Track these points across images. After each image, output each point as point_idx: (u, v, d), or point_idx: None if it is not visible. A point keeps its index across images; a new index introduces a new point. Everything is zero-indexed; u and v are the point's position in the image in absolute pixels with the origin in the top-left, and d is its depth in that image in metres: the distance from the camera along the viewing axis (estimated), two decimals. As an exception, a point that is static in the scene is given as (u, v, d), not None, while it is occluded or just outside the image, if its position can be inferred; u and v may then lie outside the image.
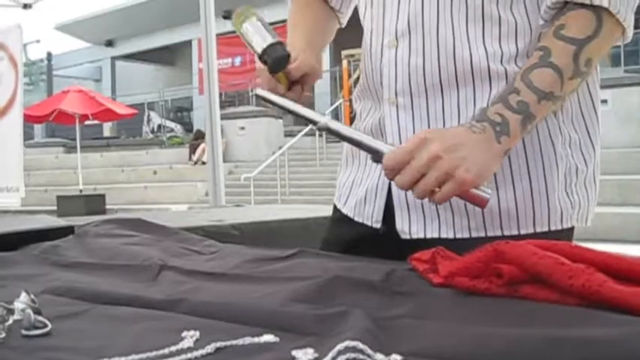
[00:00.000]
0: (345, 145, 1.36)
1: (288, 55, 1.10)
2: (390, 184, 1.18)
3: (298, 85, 1.14)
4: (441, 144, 0.92)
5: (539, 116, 1.00)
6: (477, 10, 1.08)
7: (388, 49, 1.15)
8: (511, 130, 0.97)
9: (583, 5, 1.01)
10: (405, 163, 0.93)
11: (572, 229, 1.15)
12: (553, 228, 1.11)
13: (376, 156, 0.98)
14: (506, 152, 0.99)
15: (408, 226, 1.17)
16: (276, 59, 1.08)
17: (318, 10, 1.37)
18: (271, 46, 1.08)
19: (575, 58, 0.99)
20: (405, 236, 1.17)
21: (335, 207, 1.36)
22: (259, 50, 1.08)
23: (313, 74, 1.16)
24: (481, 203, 0.96)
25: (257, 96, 1.11)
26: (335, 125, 1.02)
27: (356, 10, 1.36)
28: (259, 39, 1.08)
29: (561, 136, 1.12)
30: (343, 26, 1.43)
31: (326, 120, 1.02)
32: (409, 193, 1.15)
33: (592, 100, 1.17)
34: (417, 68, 1.12)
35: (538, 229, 1.11)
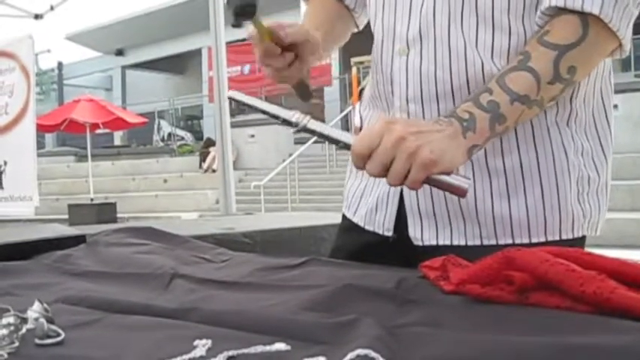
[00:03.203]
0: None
1: (254, 5, 1.03)
2: (401, 192, 1.18)
3: (296, 59, 1.13)
4: (405, 128, 0.91)
5: (512, 118, 0.98)
6: (488, 20, 1.07)
7: (399, 56, 1.15)
8: (477, 126, 0.96)
9: (573, 12, 0.99)
10: (372, 148, 0.91)
11: (583, 238, 1.14)
12: (564, 237, 1.11)
13: (347, 148, 0.96)
14: (472, 149, 0.96)
15: (420, 233, 1.17)
16: (238, 6, 1.03)
17: (332, 7, 1.35)
18: None
19: (556, 64, 0.98)
20: (417, 243, 1.17)
21: (344, 216, 1.36)
22: None
23: (306, 43, 1.13)
24: (459, 192, 0.93)
25: (230, 99, 1.07)
26: (306, 122, 1.00)
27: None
28: None
29: (573, 145, 1.11)
30: (360, 28, 1.42)
31: (299, 118, 1.01)
32: (421, 200, 1.16)
33: (605, 109, 1.17)
34: (428, 75, 1.11)
35: (549, 238, 1.10)
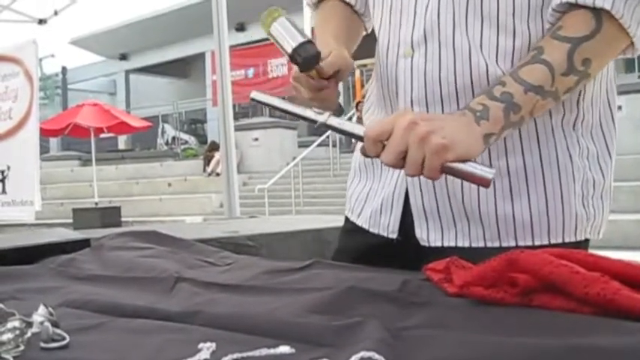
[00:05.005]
0: (356, 156, 1.35)
1: (319, 54, 1.08)
2: (406, 194, 1.18)
3: (332, 79, 1.13)
4: (418, 115, 0.93)
5: (526, 108, 0.98)
6: (492, 22, 1.07)
7: (404, 59, 1.15)
8: (491, 115, 0.96)
9: (585, 7, 0.99)
10: (383, 133, 0.92)
11: (587, 241, 1.14)
12: (567, 240, 1.11)
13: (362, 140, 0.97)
14: (487, 137, 0.96)
15: (427, 235, 1.17)
16: (306, 58, 1.07)
17: (344, 14, 1.35)
18: (301, 45, 1.06)
19: (570, 56, 0.98)
20: (424, 244, 1.17)
21: (347, 218, 1.36)
22: (289, 50, 1.07)
23: (346, 68, 1.14)
24: (482, 182, 0.93)
25: (252, 99, 1.09)
26: (333, 122, 1.01)
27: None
28: (289, 39, 1.07)
29: (579, 148, 1.11)
30: (369, 32, 1.41)
31: (325, 118, 1.01)
32: (426, 201, 1.16)
33: (610, 110, 1.17)
34: (433, 77, 1.11)
35: (552, 241, 1.10)
